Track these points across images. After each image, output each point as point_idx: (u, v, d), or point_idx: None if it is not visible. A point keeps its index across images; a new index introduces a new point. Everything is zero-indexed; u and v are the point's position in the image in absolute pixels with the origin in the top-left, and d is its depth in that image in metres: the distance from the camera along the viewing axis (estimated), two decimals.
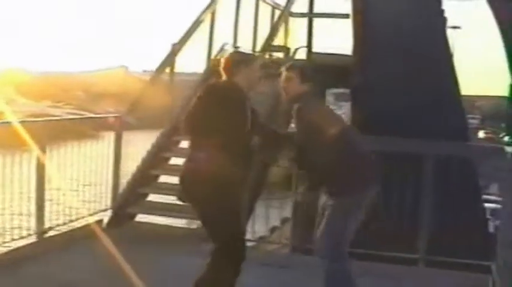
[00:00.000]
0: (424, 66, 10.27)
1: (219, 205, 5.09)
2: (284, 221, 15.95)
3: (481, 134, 55.69)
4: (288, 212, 13.79)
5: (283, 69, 5.66)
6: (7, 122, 7.61)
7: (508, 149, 7.04)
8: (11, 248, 7.21)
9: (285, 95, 5.61)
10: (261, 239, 13.14)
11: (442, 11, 11.09)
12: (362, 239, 7.05)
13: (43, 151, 7.54)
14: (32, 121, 9.13)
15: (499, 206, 12.22)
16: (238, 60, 5.48)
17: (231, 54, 5.72)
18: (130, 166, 9.61)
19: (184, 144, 9.95)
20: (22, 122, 7.34)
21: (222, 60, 5.55)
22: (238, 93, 5.26)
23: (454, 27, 42.80)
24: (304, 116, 5.34)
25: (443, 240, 7.66)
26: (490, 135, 53.77)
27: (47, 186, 7.70)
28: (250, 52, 5.38)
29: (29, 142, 7.24)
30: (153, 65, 10.61)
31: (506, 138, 41.11)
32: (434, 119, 9.79)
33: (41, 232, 7.62)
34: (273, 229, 15.21)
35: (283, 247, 9.69)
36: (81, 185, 8.74)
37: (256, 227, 11.39)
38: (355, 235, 5.54)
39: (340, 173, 5.38)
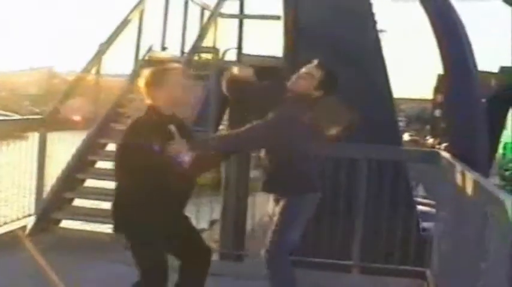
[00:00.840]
0: (356, 69, 10.21)
1: (136, 234, 4.93)
2: (212, 223, 15.82)
3: (406, 136, 56.44)
4: (216, 214, 13.69)
5: (313, 63, 5.36)
6: None
7: (444, 154, 7.00)
8: None
9: (292, 88, 5.30)
10: None
11: (373, 13, 11.06)
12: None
13: None
14: None
15: (425, 208, 12.31)
16: (155, 81, 4.97)
17: (148, 74, 5.05)
18: (55, 169, 9.31)
19: (111, 147, 9.72)
20: None
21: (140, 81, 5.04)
22: (145, 130, 4.85)
23: (380, 31, 43.26)
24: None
25: (378, 245, 7.59)
26: (414, 137, 54.57)
27: None
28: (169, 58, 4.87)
29: None
30: (80, 66, 10.30)
31: (430, 141, 41.82)
32: (366, 122, 9.72)
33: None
34: (200, 231, 14.99)
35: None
36: (3, 189, 8.44)
37: None
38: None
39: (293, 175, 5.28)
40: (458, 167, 5.92)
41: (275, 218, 5.35)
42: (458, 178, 5.75)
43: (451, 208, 6.25)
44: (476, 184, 5.04)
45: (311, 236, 7.52)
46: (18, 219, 8.53)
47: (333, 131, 5.32)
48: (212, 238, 15.02)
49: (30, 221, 8.68)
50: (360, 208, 7.41)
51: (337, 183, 7.52)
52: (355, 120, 5.75)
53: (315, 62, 5.39)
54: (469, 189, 5.26)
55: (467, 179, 5.40)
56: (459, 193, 5.70)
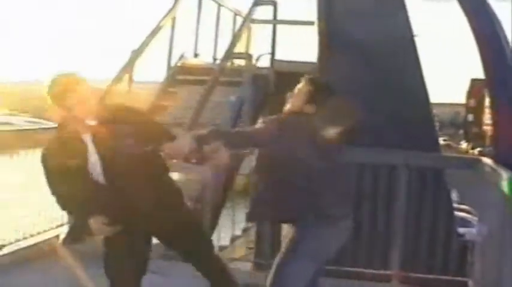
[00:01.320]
0: (392, 74, 10.01)
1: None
2: (246, 230, 15.68)
3: (440, 141, 56.09)
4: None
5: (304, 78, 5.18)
6: None
7: (486, 160, 6.81)
8: None
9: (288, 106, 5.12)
10: (222, 248, 12.85)
11: (407, 17, 10.86)
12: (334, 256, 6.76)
13: None
14: None
15: (460, 214, 12.06)
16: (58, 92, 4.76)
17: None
18: None
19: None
20: None
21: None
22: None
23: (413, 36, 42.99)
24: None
25: (418, 254, 7.41)
26: (448, 142, 54.26)
27: None
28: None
29: None
30: (111, 74, 10.20)
31: (464, 146, 41.56)
32: (404, 128, 9.53)
33: None
34: (234, 239, 14.90)
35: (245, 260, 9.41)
36: (35, 197, 8.35)
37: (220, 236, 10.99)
38: None
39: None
40: (504, 174, 5.73)
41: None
42: (504, 185, 5.56)
43: (495, 215, 6.06)
44: None
45: (349, 244, 7.37)
46: (52, 228, 8.45)
47: (334, 133, 5.07)
48: (246, 246, 14.92)
49: (63, 231, 8.61)
50: (400, 215, 7.21)
51: (376, 190, 7.34)
52: (358, 124, 5.50)
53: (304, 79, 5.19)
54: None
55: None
56: (504, 199, 5.52)
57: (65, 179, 4.67)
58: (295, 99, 5.10)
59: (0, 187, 7.47)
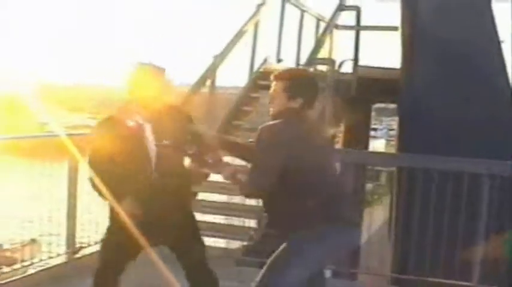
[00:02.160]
0: (478, 80, 9.80)
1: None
2: None
3: None
4: None
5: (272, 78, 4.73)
6: (51, 135, 7.30)
7: None
8: (40, 268, 6.90)
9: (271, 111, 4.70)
10: None
11: (495, 22, 10.62)
12: (413, 266, 6.65)
13: (78, 165, 7.18)
14: (77, 134, 8.72)
15: None
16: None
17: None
18: None
19: (227, 158, 9.61)
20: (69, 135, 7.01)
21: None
22: None
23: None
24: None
25: (499, 268, 7.19)
26: None
27: (80, 202, 7.37)
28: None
29: (73, 155, 6.88)
30: (192, 79, 10.24)
31: None
32: (491, 135, 9.29)
33: (72, 251, 7.26)
34: None
35: None
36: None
37: None
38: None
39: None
40: None
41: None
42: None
43: None
44: None
45: (429, 254, 7.23)
46: None
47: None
48: None
49: None
50: (482, 226, 7.02)
51: (457, 199, 7.17)
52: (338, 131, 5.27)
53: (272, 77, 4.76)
54: None
55: None
56: None
57: (115, 158, 4.74)
58: (276, 100, 4.65)
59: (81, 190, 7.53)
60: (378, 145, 32.11)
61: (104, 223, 7.98)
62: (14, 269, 7.02)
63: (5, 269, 6.91)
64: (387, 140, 39.60)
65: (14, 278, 6.62)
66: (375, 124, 34.11)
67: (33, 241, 11.85)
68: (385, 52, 12.68)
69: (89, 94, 53.63)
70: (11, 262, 7.35)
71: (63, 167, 7.21)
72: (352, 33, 12.77)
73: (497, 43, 10.41)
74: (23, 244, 11.22)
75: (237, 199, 9.20)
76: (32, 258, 7.38)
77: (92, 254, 7.70)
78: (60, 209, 7.26)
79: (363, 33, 12.85)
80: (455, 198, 7.20)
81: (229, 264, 7.38)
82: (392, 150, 23.61)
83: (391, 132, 41.46)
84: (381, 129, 46.40)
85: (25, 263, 7.20)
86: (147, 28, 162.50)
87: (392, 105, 17.99)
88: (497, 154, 8.20)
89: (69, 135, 6.91)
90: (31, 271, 7.04)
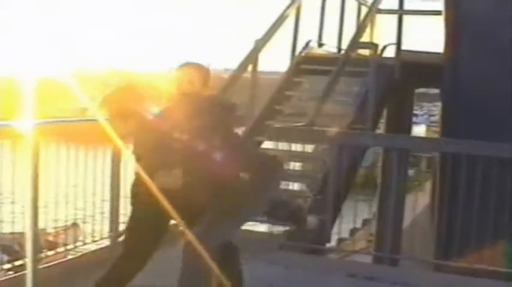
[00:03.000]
0: None
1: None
2: (365, 222, 15.53)
3: None
4: (366, 214, 13.40)
5: None
6: (92, 120, 7.33)
7: None
8: (83, 252, 6.95)
9: None
10: (342, 240, 12.76)
11: None
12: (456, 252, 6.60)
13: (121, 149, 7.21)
14: None
15: None
16: None
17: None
18: None
19: (267, 145, 9.61)
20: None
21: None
22: None
23: None
24: None
25: None
26: None
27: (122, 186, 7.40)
28: None
29: (114, 141, 6.90)
30: (234, 64, 10.22)
31: None
32: None
33: (115, 235, 7.29)
34: (353, 231, 14.78)
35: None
36: None
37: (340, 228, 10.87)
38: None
39: None
40: None
41: None
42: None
43: None
44: None
45: (474, 241, 7.17)
46: None
47: None
48: (364, 238, 14.78)
49: None
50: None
51: (503, 185, 7.09)
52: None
53: None
54: None
55: None
56: None
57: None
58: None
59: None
60: (418, 130, 31.86)
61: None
62: (57, 253, 7.06)
63: (48, 252, 6.95)
64: (428, 126, 39.29)
65: (56, 261, 6.67)
66: (415, 110, 33.89)
67: (75, 224, 11.92)
68: (428, 36, 12.52)
69: (121, 80, 54.00)
70: (53, 246, 7.38)
71: (106, 152, 7.25)
72: (394, 17, 12.66)
73: None
74: (65, 227, 11.29)
75: (282, 184, 9.20)
76: (74, 242, 7.42)
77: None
78: (104, 193, 7.29)
79: (406, 17, 12.74)
80: (500, 184, 7.13)
81: (273, 248, 7.38)
82: (433, 136, 23.46)
83: (432, 118, 41.15)
84: (422, 115, 46.02)
85: (68, 247, 7.23)
86: (186, 12, 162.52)
87: (433, 91, 17.84)
88: None
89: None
90: (74, 254, 7.09)
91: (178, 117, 4.94)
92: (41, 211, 6.37)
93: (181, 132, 4.80)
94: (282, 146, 9.19)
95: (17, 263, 6.33)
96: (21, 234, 7.41)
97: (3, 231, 7.33)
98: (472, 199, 7.30)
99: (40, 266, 6.28)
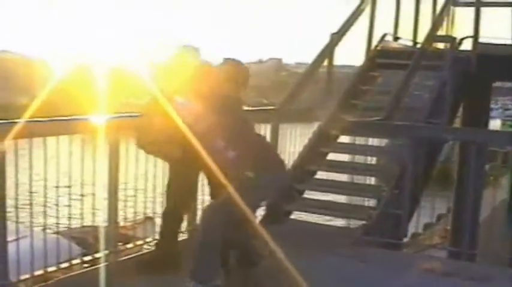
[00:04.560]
0: None
1: None
2: (440, 217, 15.37)
3: None
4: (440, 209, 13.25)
5: None
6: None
7: None
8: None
9: None
10: (414, 235, 12.65)
11: None
12: None
13: None
14: None
15: None
16: None
17: None
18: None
19: (343, 139, 9.59)
20: None
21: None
22: None
23: None
24: None
25: None
26: None
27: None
28: None
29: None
30: (307, 58, 10.25)
31: None
32: None
33: (191, 228, 7.35)
34: (427, 226, 14.67)
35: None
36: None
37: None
38: None
39: None
40: None
41: None
42: None
43: None
44: None
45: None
46: None
47: None
48: (438, 234, 14.64)
49: (261, 212, 8.72)
50: None
51: None
52: None
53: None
54: None
55: None
56: None
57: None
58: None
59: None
60: (493, 124, 31.41)
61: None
62: (129, 248, 7.14)
63: (124, 246, 7.02)
64: (503, 120, 38.72)
65: (129, 256, 6.75)
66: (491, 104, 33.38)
67: (148, 218, 12.02)
68: (506, 28, 12.28)
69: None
70: (126, 240, 7.45)
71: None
72: (472, 10, 12.47)
73: None
74: (138, 221, 11.39)
75: (359, 179, 9.18)
76: (147, 236, 7.50)
77: None
78: None
79: (485, 10, 12.55)
80: None
81: (349, 243, 7.38)
82: (508, 130, 23.08)
83: (507, 112, 40.53)
84: (496, 109, 45.31)
85: (140, 242, 7.30)
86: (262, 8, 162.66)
87: (508, 84, 17.51)
88: None
89: None
90: (146, 249, 7.15)
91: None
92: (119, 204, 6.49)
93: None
94: (359, 140, 9.18)
95: (93, 256, 6.40)
96: (94, 227, 7.56)
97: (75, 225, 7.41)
98: None
99: (116, 260, 6.39)
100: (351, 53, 11.87)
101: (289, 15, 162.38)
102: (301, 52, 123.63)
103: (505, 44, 11.76)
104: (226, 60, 5.68)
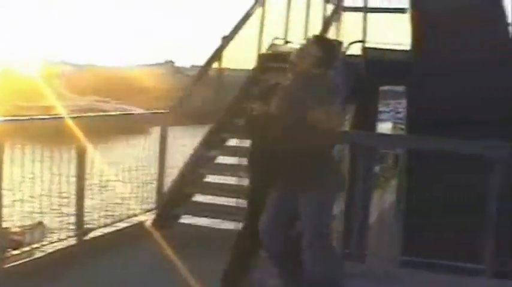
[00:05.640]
0: (487, 61, 9.72)
1: None
2: (333, 218, 15.50)
3: None
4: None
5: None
6: (58, 117, 7.31)
7: None
8: (49, 251, 6.90)
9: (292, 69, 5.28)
10: None
11: (503, 4, 10.56)
12: (424, 248, 6.61)
13: (86, 147, 7.18)
14: (84, 116, 8.69)
15: None
16: None
17: None
18: (175, 163, 9.27)
19: (232, 142, 9.59)
20: (74, 118, 7.04)
21: None
22: None
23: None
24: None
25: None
26: None
27: (88, 185, 7.37)
28: None
29: (79, 138, 6.90)
30: (203, 61, 10.22)
31: None
32: (499, 119, 9.24)
33: (81, 233, 7.25)
34: None
35: None
36: (124, 184, 8.42)
37: None
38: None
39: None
40: None
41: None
42: None
43: None
44: None
45: (440, 237, 7.18)
46: (140, 213, 8.52)
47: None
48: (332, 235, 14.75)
49: (150, 216, 8.66)
50: (492, 209, 6.92)
51: (468, 181, 7.12)
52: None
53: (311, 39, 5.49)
54: None
55: None
56: None
57: None
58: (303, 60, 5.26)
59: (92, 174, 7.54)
60: (384, 127, 31.99)
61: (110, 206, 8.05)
62: (22, 252, 7.00)
63: (13, 252, 6.90)
64: (394, 123, 39.43)
65: (21, 261, 6.61)
66: (382, 107, 34.01)
67: (40, 223, 11.83)
68: (394, 34, 12.55)
69: (98, 76, 53.51)
70: (18, 245, 7.33)
71: (71, 150, 7.22)
72: (360, 15, 12.68)
73: (507, 21, 10.35)
74: (29, 226, 11.22)
75: (246, 182, 9.16)
76: (39, 241, 7.38)
77: (100, 236, 7.72)
78: (70, 191, 7.26)
79: (372, 15, 12.78)
80: (465, 180, 7.15)
81: None
82: (399, 133, 23.52)
83: (398, 115, 41.29)
84: (388, 112, 46.13)
85: (33, 246, 7.18)
86: (157, 8, 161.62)
87: (398, 88, 17.89)
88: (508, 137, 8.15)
89: (75, 117, 6.96)
90: (39, 253, 7.03)
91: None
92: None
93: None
94: (246, 144, 9.19)
95: None
96: None
97: None
98: (438, 195, 7.33)
99: (5, 266, 6.23)
100: (245, 57, 11.88)
101: (186, 18, 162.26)
102: (196, 55, 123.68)
103: (391, 49, 11.98)
104: (315, 37, 5.70)
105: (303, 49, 5.41)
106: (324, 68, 5.27)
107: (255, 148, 5.68)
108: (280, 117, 5.15)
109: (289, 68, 5.32)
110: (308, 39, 5.49)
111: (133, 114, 21.79)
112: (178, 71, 59.90)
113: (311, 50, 5.27)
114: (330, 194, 5.42)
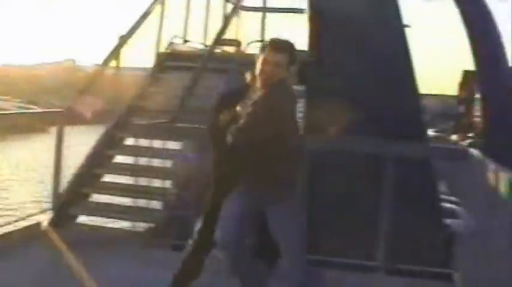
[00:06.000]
0: (382, 63, 9.96)
1: None
2: None
3: (431, 132, 55.85)
4: None
5: (266, 46, 5.03)
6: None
7: (474, 151, 6.72)
8: None
9: (264, 80, 4.98)
10: None
11: (399, 7, 10.80)
12: (316, 245, 6.69)
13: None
14: None
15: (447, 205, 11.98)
16: None
17: None
18: (74, 163, 9.15)
19: (130, 141, 9.53)
20: None
21: None
22: None
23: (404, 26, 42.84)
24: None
25: (404, 246, 7.29)
26: (439, 134, 54.05)
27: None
28: None
29: None
30: (99, 59, 10.09)
31: (454, 137, 41.62)
32: (393, 118, 9.47)
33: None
34: None
35: None
36: (20, 183, 8.29)
37: None
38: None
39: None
40: (491, 165, 5.67)
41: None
42: (491, 177, 5.51)
43: (481, 208, 6.00)
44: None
45: (340, 236, 7.29)
46: (35, 214, 8.38)
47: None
48: None
49: (47, 216, 8.53)
50: (386, 206, 7.07)
51: (362, 180, 7.26)
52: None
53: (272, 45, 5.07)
54: (502, 188, 5.04)
55: (500, 178, 5.17)
56: (491, 191, 5.47)
57: None
58: (276, 69, 4.99)
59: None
60: None
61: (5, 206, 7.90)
62: None
63: None
64: None
65: None
66: None
67: None
68: (292, 34, 12.68)
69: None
70: None
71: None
72: (259, 15, 12.80)
73: (403, 34, 10.59)
74: None
75: (143, 181, 9.14)
76: None
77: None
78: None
79: (270, 15, 12.90)
80: (362, 178, 7.28)
81: (134, 246, 7.34)
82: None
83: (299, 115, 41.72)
84: None
85: None
86: (58, 9, 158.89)
87: (298, 87, 18.05)
88: (402, 134, 8.37)
89: None
90: None
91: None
92: None
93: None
94: (156, 143, 9.17)
95: None
96: None
97: None
98: (336, 192, 7.44)
99: None
100: (144, 56, 11.80)
101: (87, 16, 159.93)
102: (98, 54, 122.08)
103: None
104: (274, 40, 5.20)
105: (268, 59, 5.03)
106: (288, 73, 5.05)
107: (219, 156, 5.34)
108: (257, 131, 4.90)
109: (261, 78, 5.06)
110: (266, 45, 5.10)
111: (29, 113, 21.60)
112: (81, 69, 59.16)
113: (279, 58, 4.98)
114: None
